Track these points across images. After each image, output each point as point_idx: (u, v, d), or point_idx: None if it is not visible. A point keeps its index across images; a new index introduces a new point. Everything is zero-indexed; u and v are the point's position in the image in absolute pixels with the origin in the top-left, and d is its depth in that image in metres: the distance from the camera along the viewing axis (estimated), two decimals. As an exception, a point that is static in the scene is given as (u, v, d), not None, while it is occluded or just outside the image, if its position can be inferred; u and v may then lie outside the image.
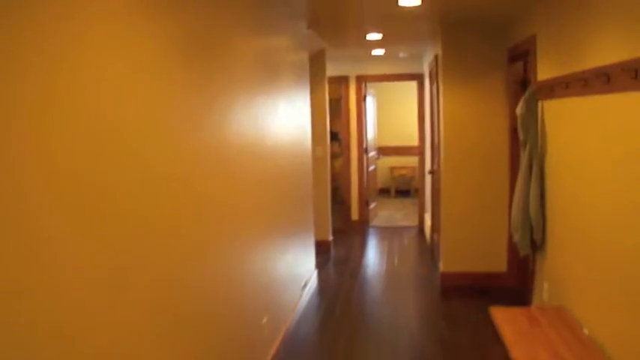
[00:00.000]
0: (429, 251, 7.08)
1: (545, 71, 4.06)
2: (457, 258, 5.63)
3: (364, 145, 8.70)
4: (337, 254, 7.03)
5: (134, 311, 1.85)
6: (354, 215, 8.77)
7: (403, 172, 11.92)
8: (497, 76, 5.34)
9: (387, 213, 10.05)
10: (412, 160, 12.08)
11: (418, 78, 8.39)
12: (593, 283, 3.25)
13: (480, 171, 5.47)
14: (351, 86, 8.52)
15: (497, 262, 5.57)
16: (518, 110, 4.14)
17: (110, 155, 1.73)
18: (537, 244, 4.22)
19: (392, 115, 11.87)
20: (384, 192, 11.85)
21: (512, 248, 5.46)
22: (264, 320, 3.56)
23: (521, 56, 5.05)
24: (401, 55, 7.87)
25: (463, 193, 5.53)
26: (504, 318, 3.58)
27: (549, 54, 3.96)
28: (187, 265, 2.32)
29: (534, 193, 4.09)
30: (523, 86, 5.21)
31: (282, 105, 4.20)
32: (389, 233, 8.33)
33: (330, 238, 7.22)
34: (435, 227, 6.80)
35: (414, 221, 9.11)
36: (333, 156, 9.87)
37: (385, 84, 10.56)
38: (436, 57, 5.81)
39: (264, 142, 3.61)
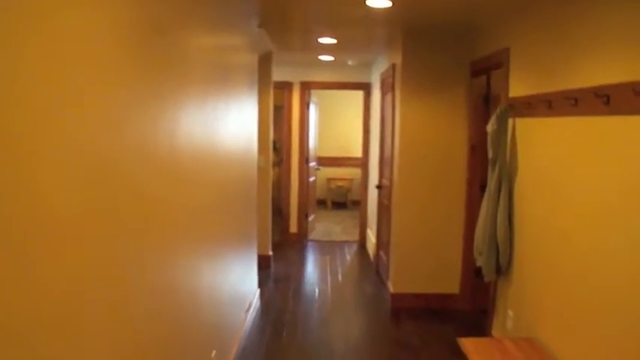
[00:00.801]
0: (373, 269, 6.84)
1: (518, 87, 3.89)
2: (408, 278, 5.40)
3: (306, 155, 8.40)
4: (278, 270, 6.67)
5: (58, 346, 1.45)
6: (293, 228, 8.43)
7: (341, 183, 11.71)
8: (459, 89, 5.16)
9: (325, 226, 9.77)
10: (350, 172, 11.92)
11: (365, 87, 8.18)
12: (567, 317, 3.06)
13: (435, 188, 5.27)
14: (294, 92, 8.20)
15: (450, 284, 5.38)
16: (490, 127, 3.95)
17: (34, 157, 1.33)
18: (502, 269, 4.03)
19: (331, 124, 11.65)
20: (321, 203, 11.57)
21: (466, 269, 5.29)
22: (213, 354, 3.16)
23: (485, 70, 4.90)
24: (350, 62, 7.63)
25: (416, 211, 5.31)
26: (476, 350, 3.34)
27: (525, 69, 3.79)
28: (124, 289, 1.92)
29: (502, 216, 3.90)
30: (485, 102, 5.06)
31: (233, 110, 3.81)
32: (329, 248, 8.04)
33: (270, 252, 6.85)
34: (380, 245, 6.57)
35: (353, 236, 8.87)
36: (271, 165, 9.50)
37: (326, 92, 10.31)
38: (393, 66, 5.58)
39: (215, 148, 3.21)
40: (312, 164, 8.95)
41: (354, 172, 12.02)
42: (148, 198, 2.00)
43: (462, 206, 5.25)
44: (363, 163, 8.52)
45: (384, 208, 6.33)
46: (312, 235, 8.83)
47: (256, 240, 5.39)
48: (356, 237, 8.69)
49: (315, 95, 8.93)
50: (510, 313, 3.94)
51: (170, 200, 2.30)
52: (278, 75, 7.78)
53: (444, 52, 5.15)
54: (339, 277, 6.49)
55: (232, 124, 3.78)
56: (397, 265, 5.41)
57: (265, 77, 6.56)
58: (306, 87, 8.19)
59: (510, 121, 3.96)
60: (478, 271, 5.26)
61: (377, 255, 6.75)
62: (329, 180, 11.64)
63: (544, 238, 3.43)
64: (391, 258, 5.65)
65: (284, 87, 8.16)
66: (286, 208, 8.42)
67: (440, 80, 5.17)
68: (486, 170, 5.13)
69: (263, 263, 6.51)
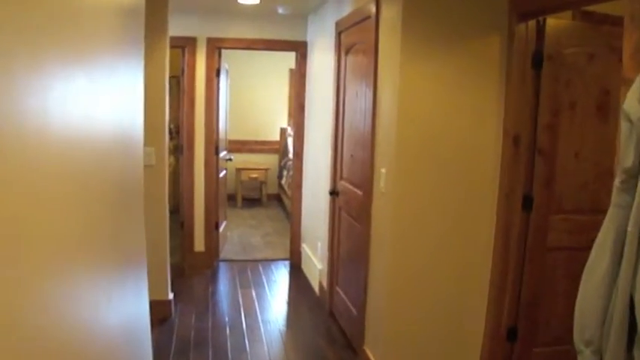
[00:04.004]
0: (324, 310, 4.94)
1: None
2: (404, 350, 3.55)
3: (215, 142, 6.31)
4: (183, 326, 4.57)
5: None
6: (199, 245, 6.33)
7: (254, 174, 9.69)
8: (491, 44, 3.32)
9: (240, 234, 7.75)
10: (266, 160, 10.00)
11: (299, 47, 6.19)
12: None
13: (449, 206, 3.43)
14: (199, 54, 6.06)
15: (467, 354, 3.60)
16: (635, 108, 2.13)
17: None
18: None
19: (241, 99, 9.58)
20: (228, 199, 9.47)
21: (493, 332, 3.54)
22: None
23: (543, 11, 3.12)
24: (280, 10, 5.61)
25: (417, 241, 3.45)
26: None
27: None
28: None
29: (649, 280, 2.13)
30: (535, 64, 3.27)
31: (89, 82, 1.75)
32: (252, 273, 6.04)
33: (170, 295, 4.78)
34: (336, 278, 4.71)
35: (279, 249, 6.94)
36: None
37: (234, 55, 8.17)
38: (377, 6, 3.64)
39: (42, 140, 1.18)
40: (223, 154, 6.88)
41: (271, 160, 10.08)
42: None
43: (490, 232, 3.45)
44: (294, 152, 6.57)
45: (348, 229, 4.44)
46: (225, 253, 6.78)
47: (146, 284, 3.33)
48: (285, 252, 6.76)
49: (225, 59, 6.81)
50: None
51: None
52: (175, 27, 5.63)
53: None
54: (280, 333, 4.53)
55: (90, 104, 1.73)
56: (387, 332, 3.53)
57: (157, 28, 4.48)
58: (216, 45, 6.08)
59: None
60: (512, 333, 3.54)
61: (330, 291, 4.87)
62: (239, 171, 9.57)
63: None
64: (371, 316, 3.78)
65: (184, 45, 6.01)
66: (189, 216, 6.31)
67: (460, 29, 3.31)
68: (532, 175, 3.38)
69: (159, 313, 4.47)
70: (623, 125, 2.16)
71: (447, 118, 3.34)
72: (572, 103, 3.29)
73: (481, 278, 3.50)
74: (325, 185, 5.05)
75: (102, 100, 1.95)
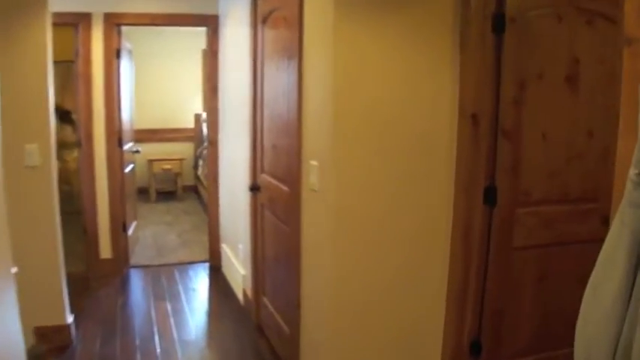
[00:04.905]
0: (251, 323, 4.30)
1: None
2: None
3: (118, 134, 5.51)
4: (86, 355, 3.77)
5: None
6: (105, 251, 5.53)
7: (168, 165, 8.90)
8: (443, 4, 2.74)
9: (153, 233, 6.98)
10: (180, 149, 9.24)
11: (210, 22, 5.46)
12: None
13: (395, 202, 2.86)
14: (95, 32, 5.22)
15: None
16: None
17: None
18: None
19: (148, 83, 8.74)
20: (141, 193, 8.61)
21: (455, 343, 3.03)
22: None
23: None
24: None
25: (360, 245, 2.85)
26: None
27: None
28: None
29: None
30: (496, 28, 2.72)
31: None
32: (167, 281, 5.32)
33: (69, 318, 4.01)
34: (263, 287, 4.08)
35: (197, 249, 6.25)
36: (63, 146, 6.55)
37: (141, 33, 7.34)
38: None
39: None
40: (129, 146, 6.08)
41: (186, 150, 9.32)
42: None
43: (447, 232, 2.91)
44: (210, 140, 5.86)
45: (274, 230, 3.80)
46: (137, 257, 6.01)
47: (14, 306, 2.59)
48: (203, 253, 6.06)
49: (128, 37, 5.99)
50: None
51: None
52: (64, 2, 4.79)
53: None
54: (201, 356, 3.87)
55: None
56: (329, 355, 2.94)
57: (30, 4, 3.68)
58: (116, 22, 5.25)
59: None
60: (475, 346, 3.03)
61: (256, 301, 4.23)
62: (151, 162, 8.76)
63: None
64: (306, 335, 3.18)
65: (77, 22, 5.15)
66: (91, 220, 5.49)
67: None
68: (495, 161, 2.86)
69: (56, 341, 3.75)
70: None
71: (393, 96, 2.73)
72: (540, 74, 2.77)
73: (440, 285, 2.96)
74: (244, 179, 4.39)
75: None
